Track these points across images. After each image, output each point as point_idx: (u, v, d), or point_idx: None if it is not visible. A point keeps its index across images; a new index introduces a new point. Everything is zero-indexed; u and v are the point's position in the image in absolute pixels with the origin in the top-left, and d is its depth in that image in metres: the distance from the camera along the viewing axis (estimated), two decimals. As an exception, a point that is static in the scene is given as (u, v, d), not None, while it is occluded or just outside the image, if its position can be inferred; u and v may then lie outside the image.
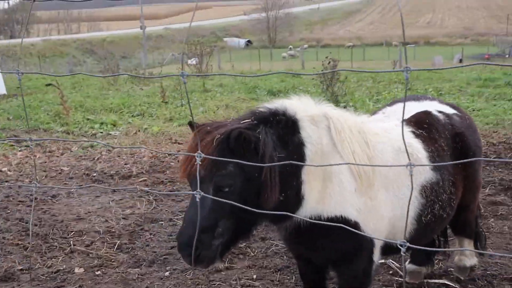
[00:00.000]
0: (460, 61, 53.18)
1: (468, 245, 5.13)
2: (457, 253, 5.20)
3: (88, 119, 15.22)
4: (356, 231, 3.58)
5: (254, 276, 5.35)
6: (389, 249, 4.02)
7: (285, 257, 5.78)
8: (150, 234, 6.53)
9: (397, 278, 5.23)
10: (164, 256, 5.85)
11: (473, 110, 15.81)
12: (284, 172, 3.34)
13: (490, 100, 17.71)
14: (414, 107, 4.54)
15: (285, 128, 3.44)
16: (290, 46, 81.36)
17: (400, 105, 4.65)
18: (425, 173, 4.01)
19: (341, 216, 3.56)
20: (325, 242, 3.69)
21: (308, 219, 3.41)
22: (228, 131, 3.21)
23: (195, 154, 2.83)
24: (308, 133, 3.51)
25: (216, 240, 3.23)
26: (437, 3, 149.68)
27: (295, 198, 3.47)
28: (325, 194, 3.55)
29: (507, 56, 59.34)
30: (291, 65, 39.24)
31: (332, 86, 17.63)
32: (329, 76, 17.66)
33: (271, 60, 56.45)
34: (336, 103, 17.18)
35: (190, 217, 3.21)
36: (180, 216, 7.07)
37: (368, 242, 3.75)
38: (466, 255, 5.15)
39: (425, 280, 5.13)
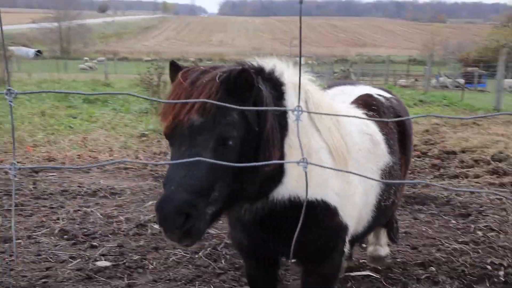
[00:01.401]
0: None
1: (383, 234, 5.07)
2: (372, 243, 5.11)
3: None
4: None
5: (167, 291, 4.55)
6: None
7: (190, 266, 5.06)
8: (10, 256, 5.19)
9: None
10: (42, 280, 4.66)
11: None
12: None
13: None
14: (353, 91, 4.31)
15: (274, 90, 2.89)
16: (86, 58, 77.69)
17: (340, 88, 4.41)
18: (384, 157, 3.76)
19: (322, 200, 3.09)
20: (301, 230, 3.16)
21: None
22: (235, 70, 2.56)
23: (293, 108, 2.07)
24: (292, 102, 2.96)
25: (210, 208, 2.49)
26: (227, 25, 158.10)
27: (278, 172, 2.90)
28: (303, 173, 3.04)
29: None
30: (95, 76, 37.19)
31: (159, 92, 16.96)
32: (154, 82, 17.06)
33: (66, 71, 52.88)
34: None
35: (181, 177, 2.39)
36: (39, 232, 5.81)
37: (345, 232, 3.34)
38: (381, 245, 5.09)
39: (348, 274, 4.92)
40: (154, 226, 6.10)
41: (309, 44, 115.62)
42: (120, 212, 6.69)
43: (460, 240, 5.97)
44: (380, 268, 5.08)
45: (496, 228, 6.41)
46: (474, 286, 4.76)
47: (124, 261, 5.10)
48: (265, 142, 2.70)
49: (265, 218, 3.05)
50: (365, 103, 4.05)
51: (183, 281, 4.73)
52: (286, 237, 3.17)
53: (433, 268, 5.09)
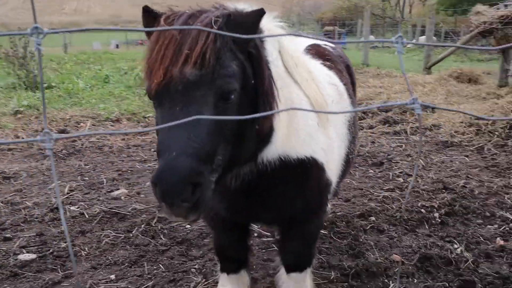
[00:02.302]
0: (117, 46, 53.82)
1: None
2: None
3: None
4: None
5: (112, 277, 4.05)
6: None
7: (128, 246, 4.58)
8: None
9: (266, 239, 4.73)
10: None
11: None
12: None
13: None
14: (298, 41, 4.07)
15: None
16: None
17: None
18: (348, 108, 3.62)
19: (311, 157, 2.86)
20: (291, 191, 2.90)
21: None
22: (233, 13, 2.28)
23: (395, 39, 1.72)
24: (270, 50, 2.64)
25: (213, 175, 2.14)
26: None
27: (269, 130, 2.59)
28: (292, 129, 2.76)
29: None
30: None
31: (26, 64, 15.35)
32: (20, 54, 15.41)
33: None
34: (36, 82, 15.18)
35: (181, 141, 2.00)
36: None
37: (329, 188, 3.16)
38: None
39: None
40: (71, 208, 5.46)
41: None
42: (23, 198, 5.90)
43: (385, 188, 6.13)
44: (324, 223, 5.03)
45: (411, 173, 6.69)
46: (416, 230, 4.90)
47: (51, 250, 4.46)
48: (264, 95, 2.40)
49: (253, 182, 2.74)
50: (318, 53, 3.85)
51: (126, 264, 4.26)
52: (273, 201, 2.92)
53: (373, 218, 5.15)
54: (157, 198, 2.02)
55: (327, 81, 3.41)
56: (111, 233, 4.85)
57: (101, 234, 4.81)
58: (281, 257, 3.34)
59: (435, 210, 5.29)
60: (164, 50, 2.12)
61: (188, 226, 5.00)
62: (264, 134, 2.52)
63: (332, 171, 3.14)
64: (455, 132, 9.34)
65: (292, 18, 39.01)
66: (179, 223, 5.05)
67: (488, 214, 5.19)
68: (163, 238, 4.74)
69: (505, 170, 6.80)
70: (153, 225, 5.01)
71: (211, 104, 2.12)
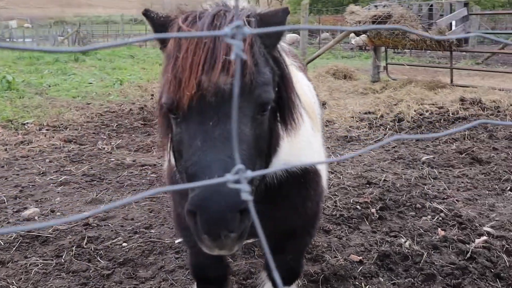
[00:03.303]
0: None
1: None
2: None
3: None
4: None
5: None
6: None
7: (63, 274, 4.01)
8: None
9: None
10: None
11: (49, 86, 14.99)
12: None
13: (59, 75, 17.28)
14: None
15: None
16: None
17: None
18: (318, 108, 3.51)
19: (313, 166, 2.73)
20: (293, 202, 2.73)
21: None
22: (266, 11, 2.11)
23: None
24: None
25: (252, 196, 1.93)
26: None
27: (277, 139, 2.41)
28: (293, 137, 2.60)
29: (9, 40, 57.91)
30: None
31: None
32: None
33: None
34: None
35: (223, 161, 1.73)
36: None
37: (324, 195, 3.04)
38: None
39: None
40: (-22, 235, 4.69)
41: (17, 5, 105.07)
42: None
43: (312, 186, 6.11)
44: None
45: (330, 170, 6.78)
46: (360, 227, 4.93)
47: (-28, 288, 3.78)
48: (291, 103, 2.21)
49: (258, 196, 2.50)
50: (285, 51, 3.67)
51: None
52: (275, 215, 2.70)
53: (314, 218, 5.09)
54: (197, 230, 1.72)
55: (303, 82, 3.25)
56: (37, 260, 4.23)
57: (26, 263, 4.17)
58: (270, 271, 3.13)
59: (370, 206, 5.38)
60: (192, 56, 1.81)
61: (125, 244, 4.54)
62: (278, 144, 2.32)
63: (324, 177, 3.02)
64: (349, 127, 9.71)
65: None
66: (114, 241, 4.57)
67: (419, 206, 5.39)
68: (101, 261, 4.24)
69: (412, 162, 7.16)
70: (85, 246, 4.46)
71: (249, 117, 1.90)
